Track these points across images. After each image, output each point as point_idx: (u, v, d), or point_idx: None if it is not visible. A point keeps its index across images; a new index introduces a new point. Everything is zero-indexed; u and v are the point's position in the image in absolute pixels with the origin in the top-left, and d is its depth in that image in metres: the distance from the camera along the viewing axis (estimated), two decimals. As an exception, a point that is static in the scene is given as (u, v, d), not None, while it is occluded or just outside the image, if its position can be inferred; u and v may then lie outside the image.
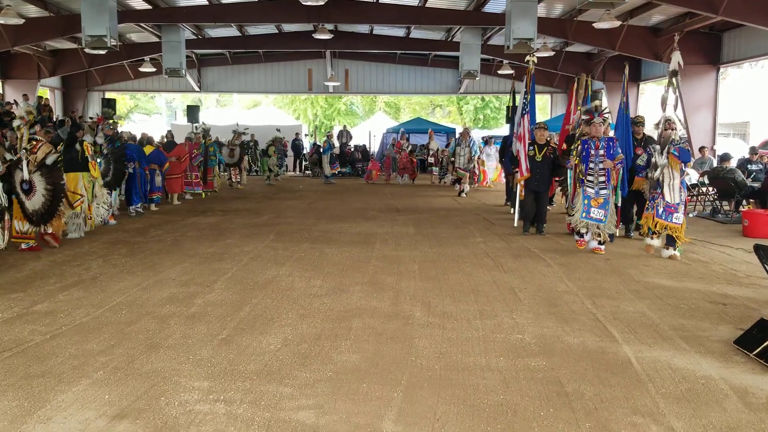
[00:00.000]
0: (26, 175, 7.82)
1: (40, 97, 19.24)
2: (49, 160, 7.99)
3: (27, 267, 7.14)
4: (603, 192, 8.13)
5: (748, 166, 12.21)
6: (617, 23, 15.07)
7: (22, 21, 14.81)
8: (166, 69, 18.69)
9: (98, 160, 9.83)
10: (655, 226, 7.86)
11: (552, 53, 19.93)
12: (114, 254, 7.98)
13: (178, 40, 18.54)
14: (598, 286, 6.41)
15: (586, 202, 8.17)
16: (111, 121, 11.01)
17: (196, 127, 18.02)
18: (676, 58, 8.22)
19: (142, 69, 23.15)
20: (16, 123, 8.19)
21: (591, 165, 8.14)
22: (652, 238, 8.05)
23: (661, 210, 7.77)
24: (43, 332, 4.83)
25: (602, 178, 8.11)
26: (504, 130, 23.70)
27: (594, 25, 15.10)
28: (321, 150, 21.32)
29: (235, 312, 5.42)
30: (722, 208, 11.98)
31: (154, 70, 22.98)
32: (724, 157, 12.35)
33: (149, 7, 17.01)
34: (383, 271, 7.12)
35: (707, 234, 9.87)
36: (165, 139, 16.60)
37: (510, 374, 4.07)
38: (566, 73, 22.51)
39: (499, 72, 23.67)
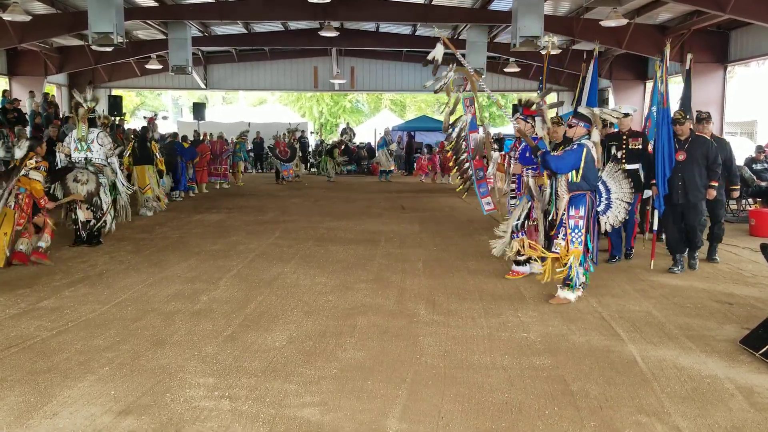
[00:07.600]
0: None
1: (47, 94, 19.26)
2: (118, 152, 9.11)
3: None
4: (512, 201, 6.80)
5: (753, 165, 12.13)
6: (624, 21, 15.01)
7: (29, 18, 14.87)
8: (172, 66, 18.72)
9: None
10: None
11: (558, 51, 19.88)
12: (120, 251, 8.01)
13: (185, 37, 18.57)
14: (603, 285, 6.39)
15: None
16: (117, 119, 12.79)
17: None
18: (438, 51, 6.91)
19: (148, 66, 23.24)
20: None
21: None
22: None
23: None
24: (49, 328, 4.85)
25: (513, 185, 6.82)
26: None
27: (601, 23, 15.05)
28: (375, 146, 22.03)
29: (240, 309, 5.44)
30: (728, 206, 11.91)
31: (160, 67, 23.00)
32: None
33: (156, 4, 17.04)
34: (388, 268, 7.13)
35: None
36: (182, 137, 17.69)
37: (515, 372, 4.07)
38: (573, 71, 22.48)
39: (506, 70, 23.63)
